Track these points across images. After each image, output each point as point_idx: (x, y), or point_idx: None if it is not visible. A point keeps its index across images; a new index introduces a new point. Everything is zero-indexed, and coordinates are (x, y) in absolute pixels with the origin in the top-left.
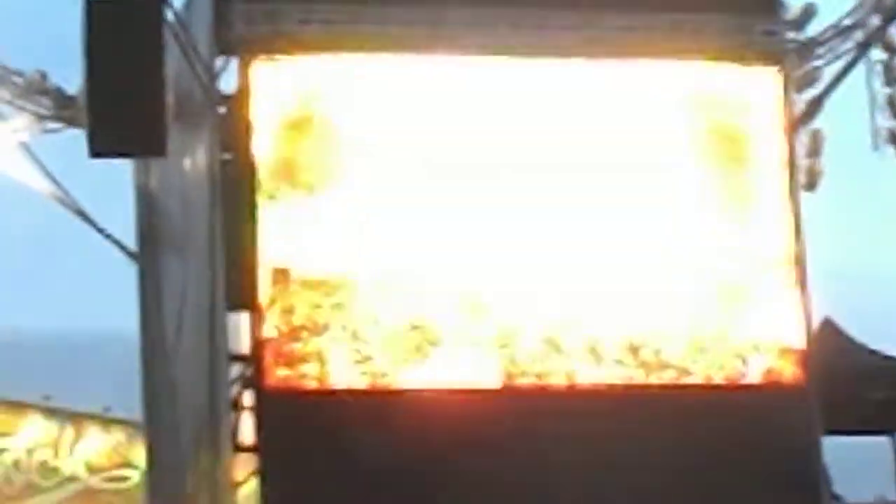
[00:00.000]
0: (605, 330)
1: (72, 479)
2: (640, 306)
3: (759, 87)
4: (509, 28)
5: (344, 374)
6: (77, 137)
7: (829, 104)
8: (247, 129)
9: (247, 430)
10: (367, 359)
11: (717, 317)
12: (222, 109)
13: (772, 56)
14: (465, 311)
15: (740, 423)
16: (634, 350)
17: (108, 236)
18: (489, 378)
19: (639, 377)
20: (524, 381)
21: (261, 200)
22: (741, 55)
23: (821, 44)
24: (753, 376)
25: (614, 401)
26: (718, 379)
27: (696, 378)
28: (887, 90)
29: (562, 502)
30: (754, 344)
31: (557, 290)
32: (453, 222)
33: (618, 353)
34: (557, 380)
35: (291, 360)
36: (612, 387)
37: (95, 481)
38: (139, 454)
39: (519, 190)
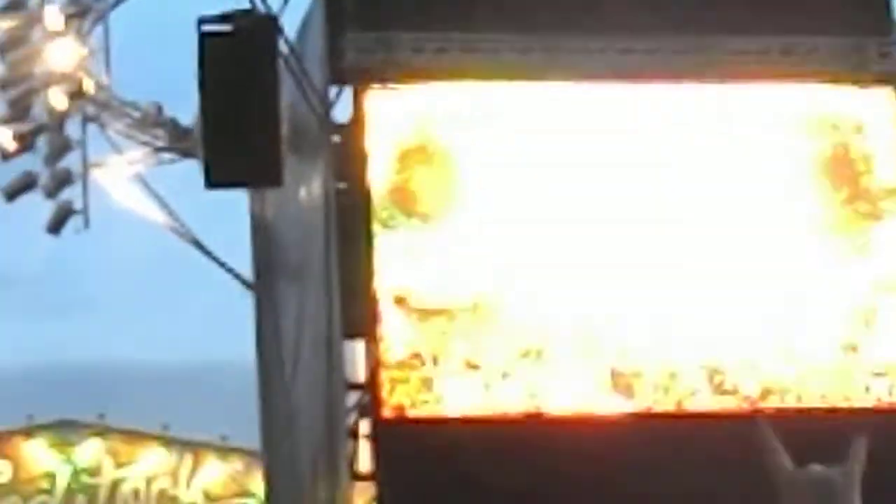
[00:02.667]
0: (723, 355)
1: None
2: (758, 332)
3: (875, 108)
4: (621, 53)
5: (461, 402)
6: (192, 169)
7: None
8: (361, 158)
9: (364, 459)
10: (484, 386)
11: (837, 341)
12: (336, 138)
13: (887, 77)
14: (581, 338)
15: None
16: (753, 374)
17: (224, 266)
18: (603, 405)
19: (756, 401)
20: (640, 409)
21: (376, 229)
22: (856, 77)
23: None
24: (875, 401)
25: (731, 427)
26: (840, 404)
27: (816, 403)
28: None
29: None
30: (876, 368)
31: (673, 316)
32: (570, 250)
33: (736, 377)
34: (674, 407)
35: (408, 389)
36: (729, 413)
37: None
38: (257, 483)
39: (636, 218)
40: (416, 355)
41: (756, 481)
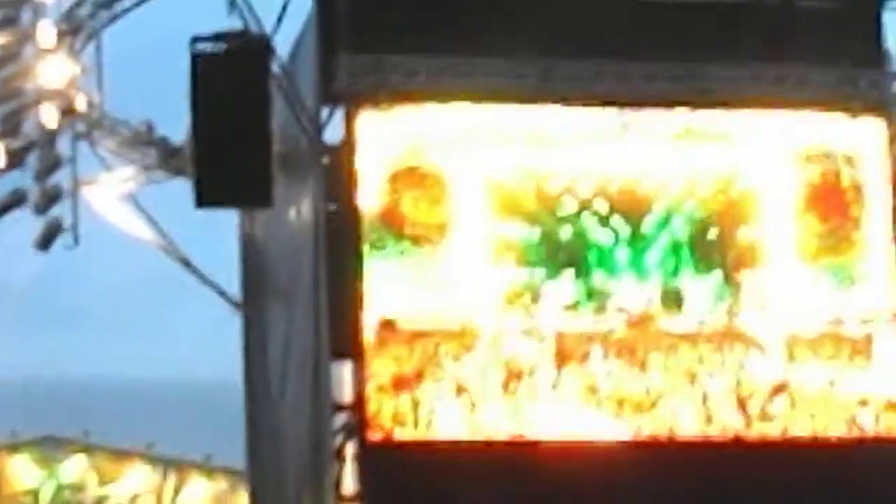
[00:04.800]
0: (709, 382)
1: None
2: (743, 359)
3: (865, 138)
4: (615, 80)
5: (449, 427)
6: (183, 188)
7: None
8: (352, 179)
9: (350, 480)
10: (471, 411)
11: (822, 370)
12: (327, 160)
13: (877, 108)
14: (566, 361)
15: (845, 478)
16: (739, 402)
17: (213, 286)
18: (590, 430)
19: (742, 430)
20: (621, 434)
21: (366, 251)
22: (847, 107)
23: None
24: (859, 431)
25: (718, 453)
26: (826, 434)
27: (801, 432)
28: None
29: None
30: (860, 398)
31: (663, 342)
32: (561, 273)
33: (722, 404)
34: (661, 432)
35: (395, 411)
36: (719, 441)
37: None
38: (242, 502)
39: (626, 240)
40: (404, 378)
41: None
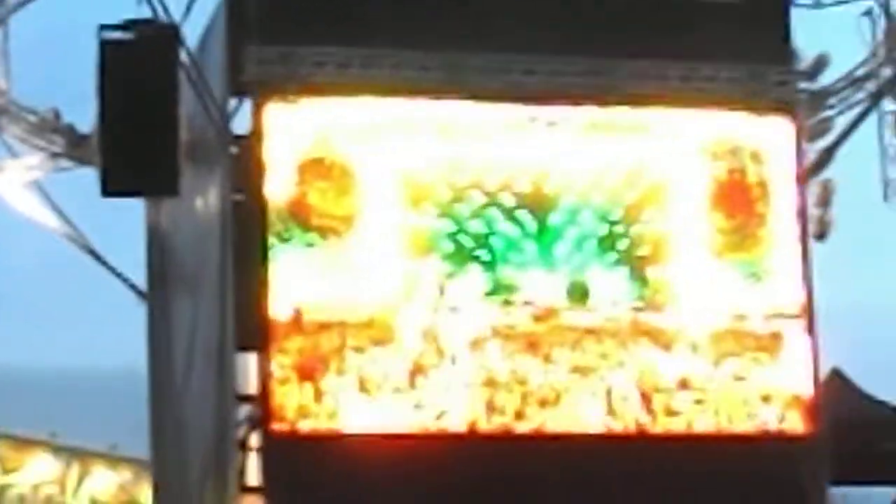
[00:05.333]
0: (614, 377)
1: None
2: (648, 354)
3: (772, 136)
4: (523, 74)
5: (352, 419)
6: (89, 176)
7: (841, 154)
8: (259, 170)
9: (254, 471)
10: (376, 402)
11: (726, 366)
12: (235, 150)
13: (784, 105)
14: (471, 355)
15: (748, 474)
16: (644, 397)
17: (118, 275)
18: (492, 424)
19: (646, 425)
20: (528, 428)
21: (272, 242)
22: (754, 104)
23: (833, 94)
24: (762, 427)
25: (622, 448)
26: (727, 429)
27: (705, 427)
28: None
29: None
30: (764, 394)
31: (569, 337)
32: (469, 266)
33: (626, 399)
34: (565, 427)
35: (300, 403)
36: (622, 434)
37: None
38: (145, 493)
39: (534, 233)
40: (309, 370)
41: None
